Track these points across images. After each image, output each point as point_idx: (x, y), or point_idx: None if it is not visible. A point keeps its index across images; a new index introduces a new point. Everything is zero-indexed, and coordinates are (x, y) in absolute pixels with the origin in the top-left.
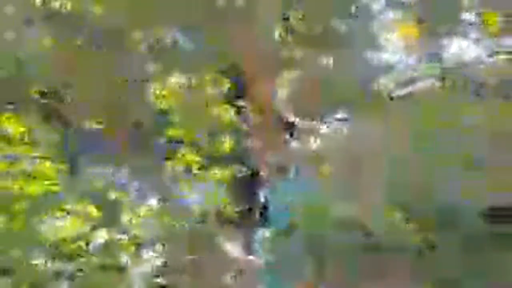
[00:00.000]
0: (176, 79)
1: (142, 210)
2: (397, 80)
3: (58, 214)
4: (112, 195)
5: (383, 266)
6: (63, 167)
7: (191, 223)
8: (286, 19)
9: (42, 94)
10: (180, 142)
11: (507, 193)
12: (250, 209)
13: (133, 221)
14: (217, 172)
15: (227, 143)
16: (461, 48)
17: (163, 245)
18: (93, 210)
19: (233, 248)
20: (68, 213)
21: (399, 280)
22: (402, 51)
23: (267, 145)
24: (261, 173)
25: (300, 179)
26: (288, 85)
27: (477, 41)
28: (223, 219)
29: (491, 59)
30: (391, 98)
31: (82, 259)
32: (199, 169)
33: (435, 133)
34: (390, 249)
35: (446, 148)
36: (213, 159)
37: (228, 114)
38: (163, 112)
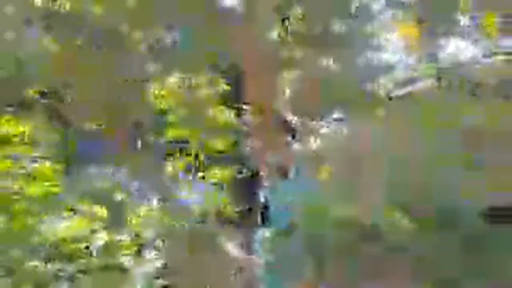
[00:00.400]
0: (175, 79)
1: (143, 210)
2: (396, 80)
3: (64, 214)
4: (116, 196)
5: (383, 266)
6: (63, 167)
7: (191, 223)
8: (286, 19)
9: (42, 94)
10: (179, 142)
11: (507, 193)
12: (250, 209)
13: (134, 221)
14: (217, 172)
15: (226, 143)
16: (458, 48)
17: (163, 245)
18: (98, 210)
19: (233, 248)
20: (75, 212)
21: (399, 280)
22: (402, 51)
23: (267, 146)
24: (261, 173)
25: (300, 179)
26: (289, 85)
27: (474, 41)
28: (223, 219)
29: (488, 60)
30: (390, 98)
31: (84, 260)
32: (200, 169)
33: (435, 133)
34: (390, 249)
35: (445, 148)
36: (212, 159)
37: (225, 114)
38: (163, 112)
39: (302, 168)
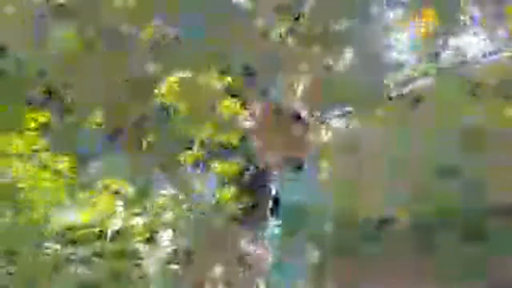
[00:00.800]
0: (179, 77)
1: (160, 199)
2: (396, 80)
3: (90, 193)
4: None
5: (384, 265)
6: (74, 159)
7: (196, 214)
8: (296, 19)
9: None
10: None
11: (508, 192)
12: (253, 206)
13: (152, 209)
14: (218, 166)
15: (233, 138)
16: (459, 48)
17: (174, 232)
18: (122, 189)
19: (241, 242)
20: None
21: (400, 279)
22: (407, 51)
23: (274, 140)
24: (268, 167)
25: (307, 178)
26: (297, 82)
27: (481, 40)
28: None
29: (491, 58)
30: (390, 98)
31: (98, 245)
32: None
33: (435, 132)
34: (392, 248)
35: (447, 148)
36: (213, 153)
37: (232, 109)
38: (168, 109)
39: (309, 167)
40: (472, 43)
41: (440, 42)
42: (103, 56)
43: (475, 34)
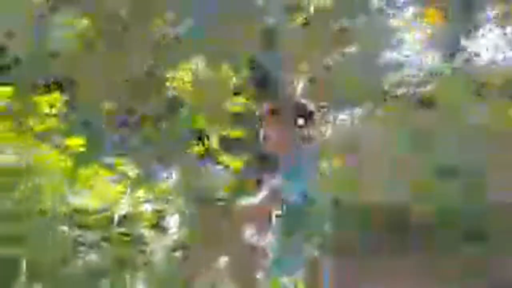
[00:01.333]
0: (188, 72)
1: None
2: (396, 80)
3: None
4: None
5: (385, 266)
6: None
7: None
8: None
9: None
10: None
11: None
12: None
13: (156, 195)
14: (225, 159)
15: (241, 132)
16: (473, 47)
17: (180, 220)
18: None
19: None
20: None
21: (400, 280)
22: (414, 50)
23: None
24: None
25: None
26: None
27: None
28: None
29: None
30: (390, 98)
31: (104, 230)
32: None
33: (440, 132)
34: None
35: (449, 147)
36: (221, 147)
37: (240, 104)
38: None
39: (306, 166)
40: (486, 43)
41: (453, 42)
42: (103, 56)
43: (489, 32)
